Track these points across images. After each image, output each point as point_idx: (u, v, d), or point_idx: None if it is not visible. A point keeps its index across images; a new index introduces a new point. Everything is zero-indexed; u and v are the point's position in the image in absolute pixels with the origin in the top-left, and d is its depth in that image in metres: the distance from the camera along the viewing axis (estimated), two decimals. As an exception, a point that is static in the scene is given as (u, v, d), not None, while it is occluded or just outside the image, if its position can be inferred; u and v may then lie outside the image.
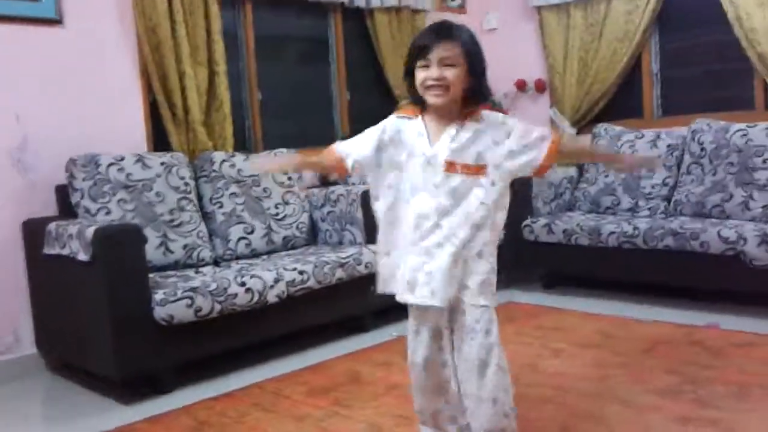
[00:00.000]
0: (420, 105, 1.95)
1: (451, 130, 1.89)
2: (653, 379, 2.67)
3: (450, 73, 1.83)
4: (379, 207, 2.01)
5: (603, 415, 2.38)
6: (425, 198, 1.90)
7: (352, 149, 2.01)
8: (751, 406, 2.37)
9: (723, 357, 2.86)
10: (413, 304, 1.95)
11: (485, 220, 1.88)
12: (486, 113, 1.92)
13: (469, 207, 1.87)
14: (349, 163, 2.00)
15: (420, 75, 1.87)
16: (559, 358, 2.99)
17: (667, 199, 4.15)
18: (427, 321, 1.96)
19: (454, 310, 1.91)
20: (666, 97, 4.67)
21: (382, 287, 2.03)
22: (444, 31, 1.86)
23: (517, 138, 1.88)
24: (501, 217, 1.93)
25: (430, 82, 1.85)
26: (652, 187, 4.20)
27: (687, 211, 3.97)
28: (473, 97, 1.90)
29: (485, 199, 1.87)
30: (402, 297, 1.96)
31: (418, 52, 1.87)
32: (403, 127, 1.97)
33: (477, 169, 1.87)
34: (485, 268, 1.89)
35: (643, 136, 4.34)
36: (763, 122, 3.87)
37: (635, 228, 3.73)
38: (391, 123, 1.99)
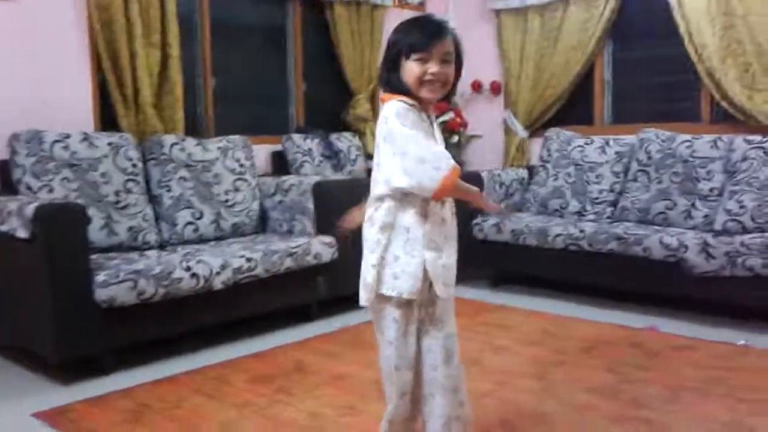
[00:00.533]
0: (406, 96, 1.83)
1: (437, 126, 1.91)
2: (591, 378, 2.72)
3: (450, 69, 1.82)
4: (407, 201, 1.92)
5: (542, 411, 2.42)
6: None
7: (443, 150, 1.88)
8: (681, 407, 2.43)
9: (660, 359, 2.94)
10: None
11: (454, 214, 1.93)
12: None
13: (451, 205, 1.93)
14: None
15: (415, 69, 1.79)
16: (501, 355, 3.03)
17: (614, 204, 4.24)
18: (413, 320, 1.89)
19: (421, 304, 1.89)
20: (616, 105, 4.77)
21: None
22: (444, 27, 1.83)
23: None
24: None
25: (429, 77, 1.79)
26: (599, 192, 4.29)
27: (632, 217, 4.07)
28: (452, 94, 1.91)
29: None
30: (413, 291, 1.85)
31: (416, 46, 1.79)
32: (422, 117, 1.85)
33: None
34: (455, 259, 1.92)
35: (592, 142, 4.43)
36: (708, 135, 3.99)
37: (581, 231, 3.81)
38: (415, 112, 1.83)
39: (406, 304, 1.84)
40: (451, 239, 1.89)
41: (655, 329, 3.37)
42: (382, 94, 1.87)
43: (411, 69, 1.79)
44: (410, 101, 1.81)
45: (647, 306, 3.73)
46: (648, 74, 4.61)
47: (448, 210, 1.89)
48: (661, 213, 3.95)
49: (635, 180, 4.16)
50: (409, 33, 1.81)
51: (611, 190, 4.27)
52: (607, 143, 4.38)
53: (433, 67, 1.79)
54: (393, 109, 1.78)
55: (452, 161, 1.76)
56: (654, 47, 4.56)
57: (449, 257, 1.87)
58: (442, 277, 1.85)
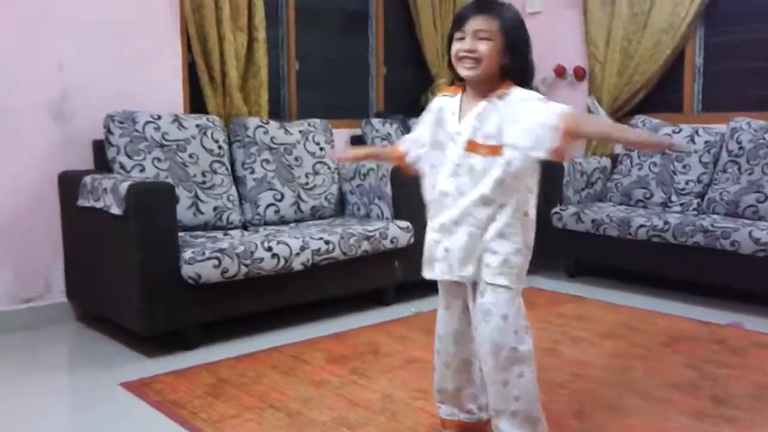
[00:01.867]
0: (461, 82, 1.93)
1: (478, 108, 1.86)
2: (672, 373, 2.66)
3: (483, 46, 1.81)
4: (424, 186, 2.01)
5: (619, 404, 2.38)
6: (447, 176, 1.90)
7: (411, 145, 2.05)
8: (765, 406, 2.35)
9: (744, 357, 2.84)
10: (431, 279, 1.98)
11: (502, 201, 1.84)
12: (515, 90, 1.84)
13: (484, 187, 1.84)
14: (408, 159, 2.05)
15: (455, 46, 1.86)
16: (578, 346, 2.99)
17: (701, 195, 4.10)
18: (456, 296, 1.99)
19: (475, 289, 1.91)
20: (707, 93, 4.58)
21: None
22: (483, 4, 1.84)
23: (533, 115, 1.79)
24: (523, 198, 1.87)
25: (462, 54, 1.83)
26: (686, 183, 4.15)
27: (720, 210, 3.93)
28: (513, 77, 1.85)
29: (501, 179, 1.82)
30: (423, 272, 1.99)
31: (456, 23, 1.86)
32: (444, 105, 1.96)
33: (495, 149, 1.83)
34: (507, 248, 1.85)
35: (681, 130, 4.29)
36: (805, 124, 3.81)
37: (666, 222, 3.70)
38: (436, 103, 1.99)
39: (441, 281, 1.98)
40: (470, 224, 1.86)
41: (741, 326, 3.25)
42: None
43: (452, 47, 1.88)
44: (448, 93, 1.97)
45: (733, 302, 3.60)
46: (742, 59, 4.40)
47: (469, 190, 1.86)
48: (751, 206, 3.79)
49: (725, 171, 4.01)
50: (456, 13, 1.91)
51: (699, 181, 4.12)
52: (696, 132, 4.23)
53: (465, 44, 1.82)
54: None
55: (402, 144, 2.09)
56: (748, 31, 4.34)
57: (455, 242, 1.88)
58: (443, 260, 1.91)
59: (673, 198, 4.16)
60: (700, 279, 3.69)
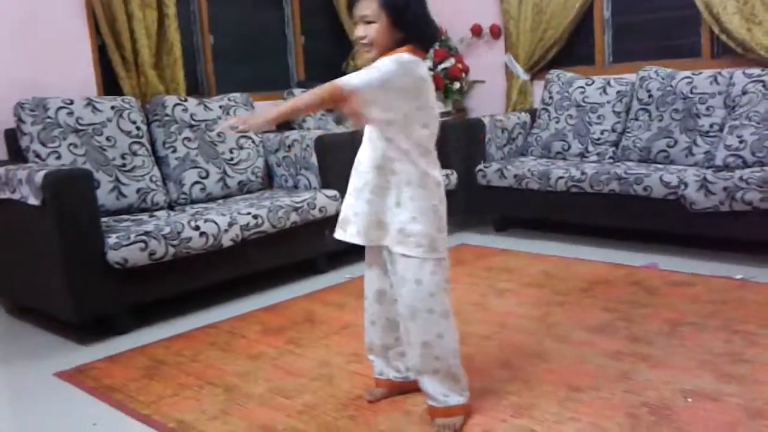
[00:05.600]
0: None
1: None
2: (590, 317, 2.80)
3: (370, 31, 1.85)
4: None
5: (541, 350, 2.51)
6: (363, 144, 1.99)
7: None
8: (679, 341, 2.51)
9: (658, 296, 3.01)
10: (343, 240, 2.04)
11: (389, 168, 1.90)
12: (385, 56, 1.85)
13: (374, 154, 1.92)
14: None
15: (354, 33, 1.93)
16: (503, 298, 3.12)
17: (615, 144, 4.26)
18: (377, 256, 2.05)
19: (390, 255, 1.97)
20: (617, 44, 4.73)
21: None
22: None
23: None
24: (413, 164, 1.88)
25: (358, 41, 1.90)
26: (601, 133, 4.30)
27: (634, 157, 4.10)
28: (414, 43, 1.88)
29: (383, 146, 1.90)
30: (337, 233, 2.06)
31: (349, 10, 1.92)
32: None
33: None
34: (402, 217, 1.89)
35: (593, 82, 4.43)
36: (708, 70, 3.98)
37: (583, 173, 3.84)
38: None
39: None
40: (370, 191, 1.92)
41: (655, 267, 3.43)
42: None
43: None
44: None
45: (648, 245, 3.79)
46: (648, 11, 4.56)
47: (366, 158, 1.95)
48: (662, 151, 3.97)
49: (636, 119, 4.18)
50: None
51: (613, 131, 4.28)
52: (608, 83, 4.37)
53: (357, 31, 1.89)
54: None
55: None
56: (653, -18, 4.50)
57: (361, 207, 1.94)
58: (354, 224, 1.97)
59: (590, 148, 4.32)
60: (617, 224, 3.86)
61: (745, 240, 3.41)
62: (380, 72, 1.80)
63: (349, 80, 1.81)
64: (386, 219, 1.92)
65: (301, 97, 1.89)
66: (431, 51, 4.99)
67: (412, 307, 1.93)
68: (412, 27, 1.86)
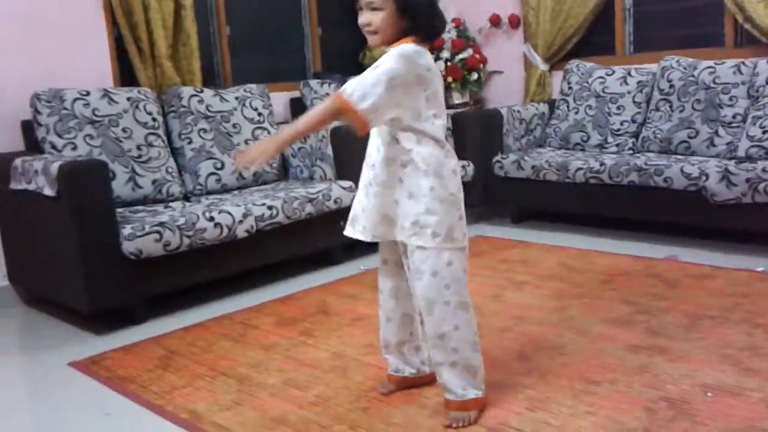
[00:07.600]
0: None
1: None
2: (608, 309, 2.76)
3: (376, 18, 1.82)
4: None
5: (558, 343, 2.47)
6: (373, 138, 1.96)
7: None
8: (700, 335, 2.46)
9: (678, 288, 2.96)
10: (351, 237, 2.02)
11: (401, 161, 1.86)
12: (393, 48, 1.82)
13: (383, 147, 1.88)
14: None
15: (358, 19, 1.89)
16: (521, 290, 3.08)
17: (635, 135, 4.20)
18: (392, 252, 2.03)
19: (406, 247, 1.94)
20: (638, 34, 4.65)
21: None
22: None
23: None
24: (422, 158, 1.84)
25: (361, 27, 1.86)
26: (621, 123, 4.24)
27: (654, 148, 4.03)
28: (419, 33, 1.84)
29: (393, 139, 1.87)
30: (347, 230, 2.03)
31: None
32: None
33: None
34: (417, 209, 1.85)
35: (613, 72, 4.36)
36: (731, 59, 3.91)
37: (602, 164, 3.78)
38: None
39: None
40: (378, 185, 1.89)
41: (675, 259, 3.38)
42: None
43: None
44: None
45: (669, 237, 3.73)
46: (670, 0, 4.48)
47: (375, 151, 1.92)
48: (683, 142, 3.90)
49: (657, 109, 4.11)
50: None
51: (633, 121, 4.22)
52: (629, 73, 4.30)
53: (361, 17, 1.86)
54: None
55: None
56: (674, -29, 4.42)
57: (369, 202, 1.92)
58: (361, 220, 1.95)
59: (609, 139, 4.25)
60: (636, 216, 3.80)
61: (767, 232, 3.34)
62: (387, 75, 1.76)
63: (353, 94, 1.77)
64: (396, 213, 1.89)
65: (302, 120, 1.85)
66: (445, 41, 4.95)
67: (428, 298, 1.90)
68: (418, 16, 1.82)
